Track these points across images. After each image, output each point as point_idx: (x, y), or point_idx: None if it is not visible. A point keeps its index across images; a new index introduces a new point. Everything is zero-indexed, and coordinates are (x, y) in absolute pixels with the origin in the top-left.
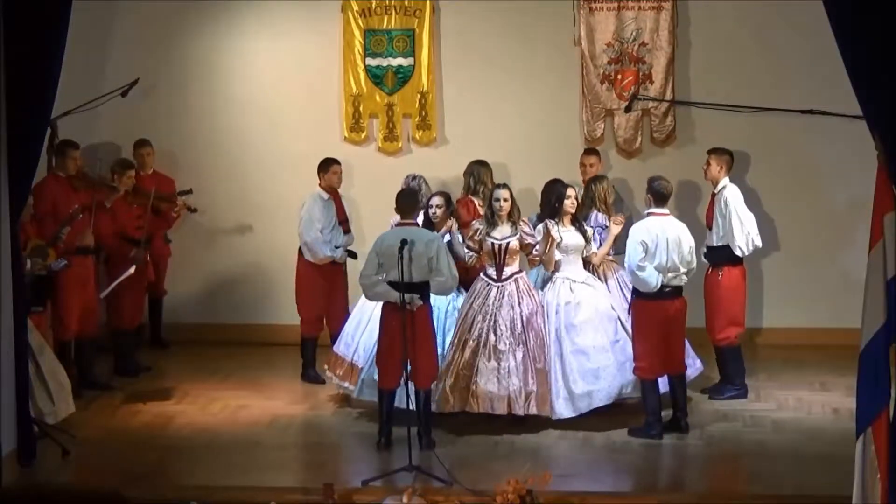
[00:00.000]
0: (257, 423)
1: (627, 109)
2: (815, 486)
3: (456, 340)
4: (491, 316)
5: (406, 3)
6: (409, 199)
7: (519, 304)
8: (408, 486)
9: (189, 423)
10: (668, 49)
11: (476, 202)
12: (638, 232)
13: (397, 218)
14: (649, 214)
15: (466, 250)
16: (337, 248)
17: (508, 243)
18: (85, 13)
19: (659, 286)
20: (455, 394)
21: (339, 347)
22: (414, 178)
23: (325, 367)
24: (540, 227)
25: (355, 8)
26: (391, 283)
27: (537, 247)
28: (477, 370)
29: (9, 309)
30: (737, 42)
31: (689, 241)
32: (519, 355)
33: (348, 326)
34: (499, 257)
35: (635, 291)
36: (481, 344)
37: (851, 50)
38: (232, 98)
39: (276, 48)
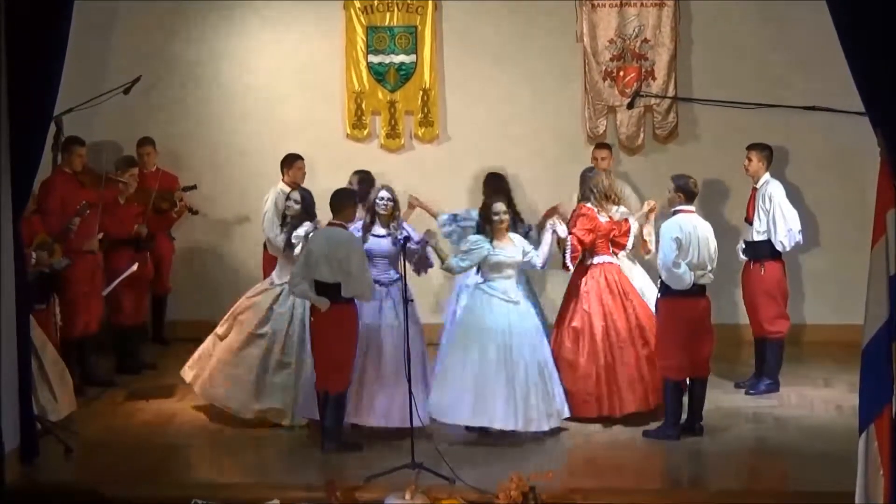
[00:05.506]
0: (258, 420)
1: (630, 106)
2: (818, 482)
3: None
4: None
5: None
6: (336, 199)
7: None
8: (411, 484)
9: (191, 421)
10: (671, 45)
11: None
12: (671, 229)
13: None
14: (678, 212)
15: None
16: None
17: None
18: (87, 11)
19: (692, 283)
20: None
21: None
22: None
23: None
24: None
25: (357, 5)
26: (317, 285)
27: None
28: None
29: (11, 306)
30: (739, 38)
31: (714, 240)
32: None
33: None
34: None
35: (663, 290)
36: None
37: (854, 46)
38: (234, 95)
39: (279, 46)
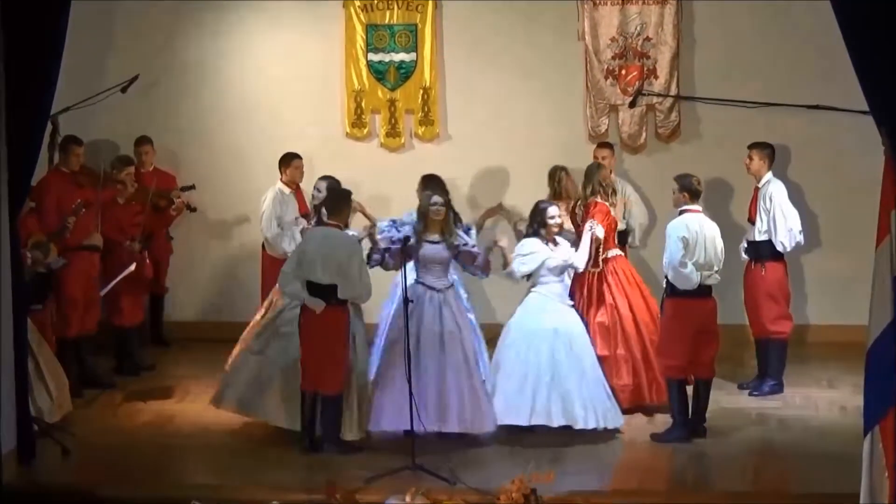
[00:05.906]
0: (259, 422)
1: (632, 105)
2: (822, 484)
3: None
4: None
5: None
6: (333, 200)
7: None
8: (411, 486)
9: (190, 422)
10: (673, 44)
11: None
12: (678, 228)
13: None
14: (684, 211)
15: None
16: None
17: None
18: (85, 9)
19: (699, 283)
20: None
21: None
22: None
23: None
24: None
25: (357, 3)
26: (309, 285)
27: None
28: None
29: (8, 307)
30: (741, 37)
31: (720, 240)
32: None
33: None
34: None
35: (670, 289)
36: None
37: (858, 45)
38: (233, 94)
39: (278, 44)
